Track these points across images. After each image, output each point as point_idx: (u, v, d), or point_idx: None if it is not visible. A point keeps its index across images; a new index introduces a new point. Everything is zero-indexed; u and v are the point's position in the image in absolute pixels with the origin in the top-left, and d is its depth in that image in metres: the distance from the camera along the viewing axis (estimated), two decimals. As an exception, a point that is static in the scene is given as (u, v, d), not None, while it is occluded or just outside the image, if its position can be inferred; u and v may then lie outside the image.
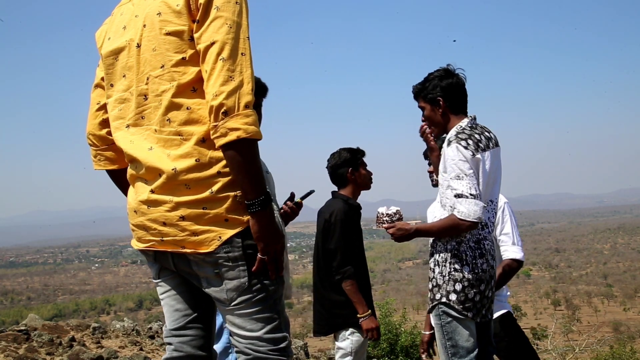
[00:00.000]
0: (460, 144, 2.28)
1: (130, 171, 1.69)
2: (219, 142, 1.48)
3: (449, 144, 2.33)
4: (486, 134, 2.42)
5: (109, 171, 1.88)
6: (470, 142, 2.30)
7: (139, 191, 1.64)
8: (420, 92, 2.49)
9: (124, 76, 1.65)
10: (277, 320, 1.65)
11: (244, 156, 1.47)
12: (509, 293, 3.16)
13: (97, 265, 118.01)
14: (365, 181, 3.26)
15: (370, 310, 3.03)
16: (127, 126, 1.65)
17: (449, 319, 2.34)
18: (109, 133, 1.79)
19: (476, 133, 2.37)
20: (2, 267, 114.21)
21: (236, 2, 1.52)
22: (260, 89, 2.49)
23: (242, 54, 1.50)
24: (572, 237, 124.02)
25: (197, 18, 1.51)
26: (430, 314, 2.45)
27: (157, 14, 1.55)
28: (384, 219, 2.53)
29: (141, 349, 4.99)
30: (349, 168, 3.20)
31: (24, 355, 3.97)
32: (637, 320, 45.96)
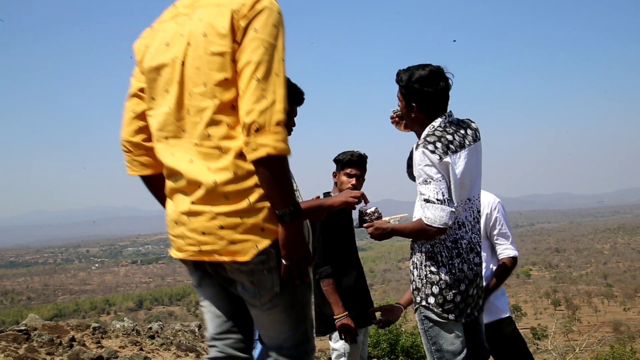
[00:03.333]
0: (427, 148, 2.21)
1: (170, 184, 1.75)
2: (250, 156, 1.55)
3: (416, 148, 2.26)
4: (461, 131, 2.31)
5: (142, 177, 1.92)
6: (438, 144, 2.22)
7: (179, 203, 1.71)
8: (401, 86, 2.37)
9: (166, 91, 1.71)
10: (304, 324, 1.76)
11: (273, 171, 1.55)
12: (507, 299, 3.12)
13: (97, 265, 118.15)
14: (341, 188, 3.10)
15: (346, 312, 2.97)
16: (167, 138, 1.72)
17: (431, 323, 2.30)
18: (145, 140, 1.85)
19: (448, 133, 2.27)
20: (2, 267, 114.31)
21: (274, 25, 1.60)
22: (297, 96, 2.54)
23: (276, 74, 1.57)
24: (572, 237, 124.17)
25: (238, 40, 1.59)
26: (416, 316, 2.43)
27: (203, 35, 1.62)
28: (364, 218, 2.53)
29: (141, 349, 4.99)
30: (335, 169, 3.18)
31: (24, 355, 3.97)
32: (637, 320, 46.00)
